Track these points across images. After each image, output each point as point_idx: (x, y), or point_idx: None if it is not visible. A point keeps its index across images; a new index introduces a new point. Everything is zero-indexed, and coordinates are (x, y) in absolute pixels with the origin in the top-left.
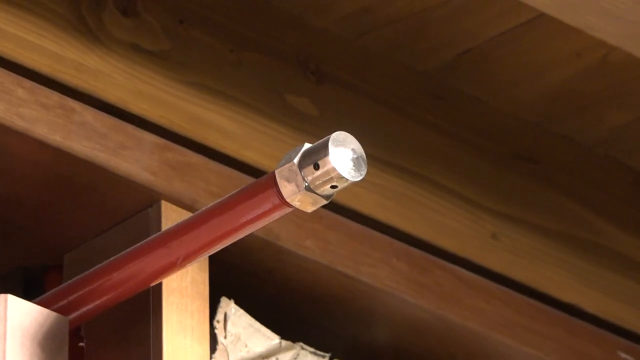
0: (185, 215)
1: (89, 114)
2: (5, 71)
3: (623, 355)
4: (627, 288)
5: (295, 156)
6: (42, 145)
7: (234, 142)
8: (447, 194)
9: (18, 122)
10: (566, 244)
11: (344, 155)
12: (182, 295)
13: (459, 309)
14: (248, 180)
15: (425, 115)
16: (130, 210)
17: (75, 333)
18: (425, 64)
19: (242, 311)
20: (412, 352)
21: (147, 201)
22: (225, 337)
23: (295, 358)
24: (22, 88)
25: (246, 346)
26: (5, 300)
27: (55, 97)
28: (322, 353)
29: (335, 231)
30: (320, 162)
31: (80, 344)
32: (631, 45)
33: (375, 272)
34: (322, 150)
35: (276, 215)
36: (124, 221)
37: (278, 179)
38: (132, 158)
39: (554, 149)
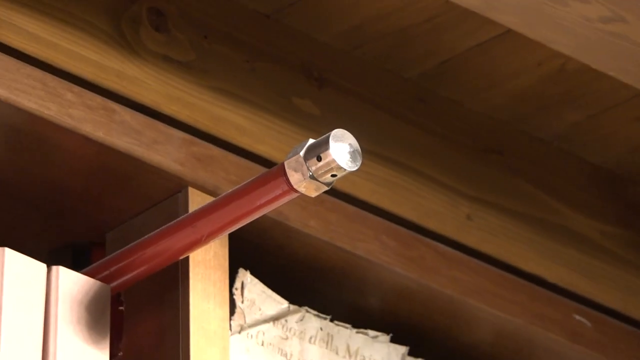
0: (209, 199)
1: (127, 114)
2: (57, 78)
3: (577, 317)
4: (580, 261)
5: (301, 150)
6: (87, 140)
7: (249, 138)
8: (428, 181)
9: (68, 121)
10: (529, 224)
11: (342, 149)
12: (206, 267)
13: (439, 278)
14: (261, 170)
15: (410, 115)
16: (161, 195)
17: (116, 299)
18: (410, 71)
19: (256, 280)
20: (400, 314)
21: (176, 188)
22: (242, 302)
23: (302, 319)
24: (70, 92)
25: (260, 310)
26: (57, 272)
27: (98, 99)
28: (324, 315)
29: (334, 213)
30: (322, 155)
31: (120, 307)
32: (582, 55)
33: (368, 247)
34: (323, 145)
35: (285, 199)
36: (157, 204)
37: (287, 169)
38: (163, 151)
39: (519, 144)
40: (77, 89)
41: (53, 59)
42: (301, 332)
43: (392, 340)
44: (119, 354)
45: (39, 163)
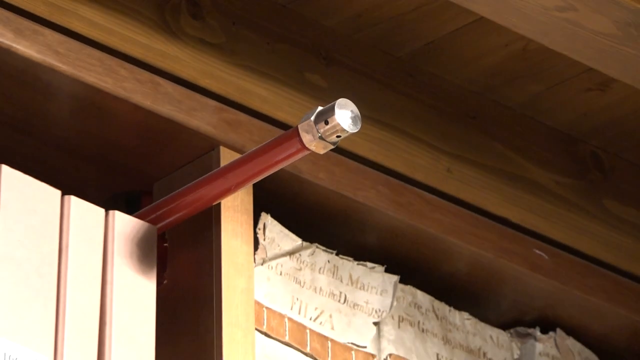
0: (236, 156)
1: (169, 86)
2: (113, 57)
3: (536, 251)
4: (539, 205)
5: (312, 115)
6: (137, 108)
7: (269, 106)
8: (416, 141)
9: (121, 92)
10: (498, 175)
11: (345, 115)
12: (234, 211)
13: (424, 220)
14: (279, 132)
15: (401, 87)
16: (198, 152)
17: (161, 237)
18: (401, 51)
19: (275, 222)
20: (392, 249)
21: (210, 146)
22: (264, 240)
23: (312, 254)
24: (123, 69)
25: (278, 246)
26: (113, 215)
27: (146, 75)
28: (330, 250)
29: (339, 167)
30: (329, 120)
31: (165, 244)
32: (541, 37)
33: (367, 195)
34: (330, 111)
35: (298, 156)
36: (194, 160)
37: (300, 131)
38: (199, 117)
39: (490, 110)
40: (128, 66)
41: (109, 42)
42: (312, 264)
43: (386, 271)
44: (164, 282)
45: (97, 126)
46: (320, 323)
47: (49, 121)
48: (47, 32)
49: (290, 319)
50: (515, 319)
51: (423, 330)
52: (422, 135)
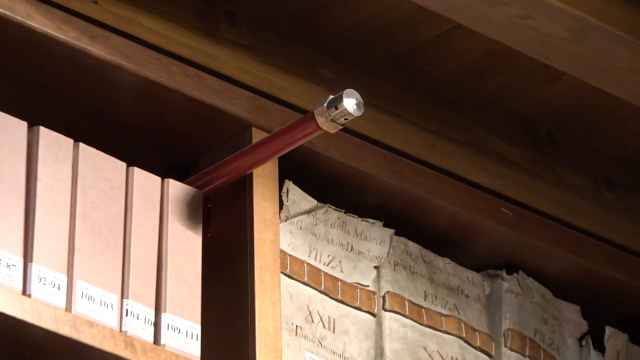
0: (265, 135)
1: (212, 80)
2: (166, 57)
3: (503, 209)
4: (505, 173)
5: (324, 102)
6: (186, 97)
7: (290, 94)
8: (407, 122)
9: (174, 85)
10: (472, 149)
11: (351, 102)
12: (264, 179)
13: (414, 184)
14: (298, 115)
15: (396, 79)
16: (235, 132)
17: (206, 200)
18: (396, 51)
19: (296, 187)
20: (388, 209)
21: (244, 128)
22: (287, 201)
23: (325, 212)
24: (175, 66)
25: (299, 206)
26: (168, 183)
27: (193, 71)
28: (340, 209)
29: (346, 143)
30: (338, 106)
31: (209, 205)
32: (506, 40)
33: (368, 165)
34: (339, 99)
35: (314, 135)
36: (232, 138)
37: (315, 115)
38: (236, 104)
39: (466, 97)
40: (179, 64)
41: (164, 45)
42: (325, 220)
43: (384, 226)
44: (208, 235)
45: (155, 112)
46: (332, 267)
47: (118, 108)
48: (115, 37)
49: (308, 264)
50: (486, 263)
51: (413, 273)
52: (412, 118)
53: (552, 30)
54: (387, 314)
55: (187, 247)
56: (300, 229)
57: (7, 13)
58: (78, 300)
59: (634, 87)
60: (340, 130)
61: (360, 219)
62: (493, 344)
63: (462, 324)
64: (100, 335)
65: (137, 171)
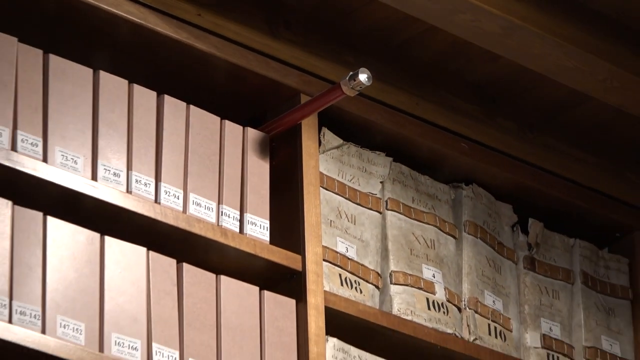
0: (308, 99)
1: (274, 63)
2: (244, 49)
3: (462, 144)
4: (465, 121)
5: (347, 76)
6: (257, 74)
7: (324, 72)
8: (399, 89)
9: (249, 67)
10: (444, 106)
11: (364, 76)
12: (308, 127)
13: (405, 131)
14: (329, 86)
15: (392, 62)
16: (290, 97)
17: (271, 140)
18: (392, 44)
19: (329, 131)
20: (389, 145)
21: (296, 94)
22: (323, 140)
23: (348, 147)
24: (250, 55)
25: (331, 143)
26: (247, 130)
27: (262, 57)
28: (357, 145)
29: (360, 102)
30: (356, 78)
31: (273, 144)
32: (466, 35)
33: (375, 116)
34: (356, 74)
35: (340, 98)
36: (288, 100)
37: (341, 85)
38: (290, 79)
39: (437, 74)
40: (253, 53)
41: (243, 41)
42: (348, 152)
43: (386, 155)
44: (273, 163)
45: (237, 84)
46: (353, 182)
47: (214, 82)
48: (211, 37)
49: (337, 181)
50: (452, 179)
51: (405, 185)
52: (403, 86)
53: (491, 28)
54: (389, 212)
55: (260, 171)
56: (332, 158)
57: (142, 22)
58: (190, 206)
59: (547, 65)
60: (358, 95)
61: (370, 151)
62: (457, 230)
63: (437, 218)
64: (205, 228)
65: (227, 123)
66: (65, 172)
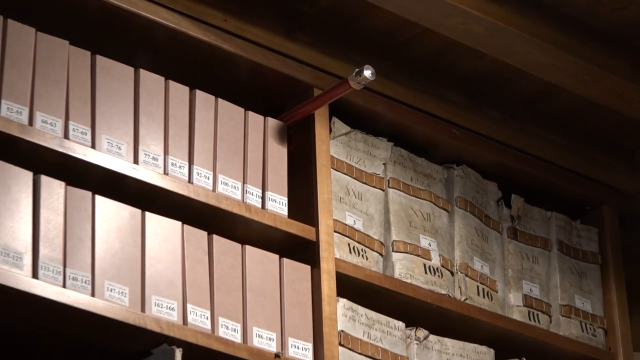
0: (321, 92)
1: (291, 62)
2: (266, 49)
3: (454, 130)
4: (452, 109)
5: (354, 73)
6: (276, 71)
7: (334, 69)
8: (399, 83)
9: (270, 64)
10: (436, 97)
11: (368, 72)
12: (321, 116)
13: (403, 119)
14: (338, 81)
15: (394, 61)
16: (304, 90)
17: (288, 128)
18: (394, 44)
19: (338, 120)
20: (390, 131)
21: (309, 88)
22: (333, 127)
23: (355, 134)
24: (271, 54)
25: (340, 130)
26: (267, 119)
27: (280, 57)
28: (363, 132)
29: (365, 94)
30: (361, 74)
31: (290, 131)
32: (452, 35)
33: (377, 106)
34: (362, 70)
35: (348, 91)
36: (303, 93)
37: (349, 80)
38: (305, 75)
39: (429, 67)
40: (273, 54)
41: (264, 43)
42: (355, 138)
43: (388, 140)
44: (290, 148)
45: (258, 79)
46: (359, 164)
47: (239, 77)
48: (237, 39)
49: (346, 163)
50: (445, 160)
51: (405, 166)
52: (402, 80)
53: (477, 30)
54: (390, 190)
55: (279, 155)
56: (341, 143)
57: (176, 27)
58: (219, 185)
59: (525, 62)
60: (362, 88)
61: (374, 137)
62: (449, 205)
63: (432, 194)
64: (232, 204)
65: (250, 113)
66: (110, 156)
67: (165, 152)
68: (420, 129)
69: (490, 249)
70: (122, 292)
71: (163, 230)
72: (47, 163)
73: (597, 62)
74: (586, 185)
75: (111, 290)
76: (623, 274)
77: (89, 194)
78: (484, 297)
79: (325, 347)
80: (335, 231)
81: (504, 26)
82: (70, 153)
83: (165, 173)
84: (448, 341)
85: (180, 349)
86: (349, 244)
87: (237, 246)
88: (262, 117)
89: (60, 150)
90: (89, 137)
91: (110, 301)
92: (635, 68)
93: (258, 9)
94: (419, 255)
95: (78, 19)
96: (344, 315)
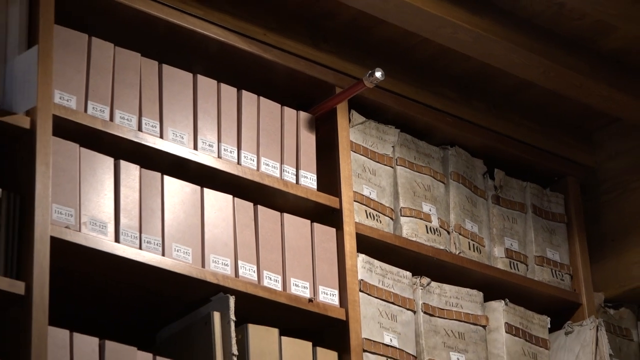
0: (341, 90)
1: (317, 66)
2: (297, 57)
3: (448, 118)
4: (442, 101)
5: (367, 74)
6: (305, 75)
7: (352, 71)
8: (402, 81)
9: (300, 69)
10: (429, 87)
11: (379, 73)
12: (341, 109)
13: (404, 109)
14: (354, 81)
15: (398, 64)
16: (328, 88)
17: (316, 120)
18: (397, 49)
19: (356, 112)
20: (398, 120)
21: (332, 87)
22: (352, 118)
23: (369, 123)
24: (299, 59)
25: (357, 120)
26: (299, 112)
27: (308, 63)
28: (375, 121)
29: (378, 91)
30: (373, 75)
31: (317, 122)
32: (448, 42)
33: (387, 102)
34: (374, 72)
35: (362, 89)
36: (327, 91)
37: (363, 80)
38: (328, 76)
39: (425, 64)
40: (303, 60)
41: (295, 51)
42: (369, 126)
43: (395, 127)
44: (318, 135)
45: (289, 81)
46: (373, 147)
47: (276, 80)
48: (275, 50)
49: (362, 146)
50: (441, 143)
51: (409, 148)
52: (406, 79)
53: (465, 38)
54: (399, 167)
55: (309, 141)
56: (358, 130)
57: (225, 40)
58: (262, 166)
59: (503, 62)
60: (374, 87)
61: (384, 125)
62: (445, 178)
63: (432, 170)
64: (272, 180)
65: (285, 108)
66: (175, 145)
67: (219, 140)
68: (421, 118)
69: (478, 213)
70: (186, 252)
71: (218, 203)
72: (124, 150)
73: (561, 62)
74: (554, 160)
75: (177, 251)
76: (584, 231)
77: (158, 174)
78: (474, 251)
79: (349, 292)
80: (355, 200)
81: (486, 35)
82: (143, 142)
83: (219, 157)
84: (446, 286)
85: (233, 296)
86: (365, 211)
87: (277, 214)
88: (295, 111)
89: (135, 140)
90: (157, 129)
91: (177, 259)
92: (591, 65)
93: (290, 25)
94: (421, 219)
95: (148, 35)
96: (363, 267)
